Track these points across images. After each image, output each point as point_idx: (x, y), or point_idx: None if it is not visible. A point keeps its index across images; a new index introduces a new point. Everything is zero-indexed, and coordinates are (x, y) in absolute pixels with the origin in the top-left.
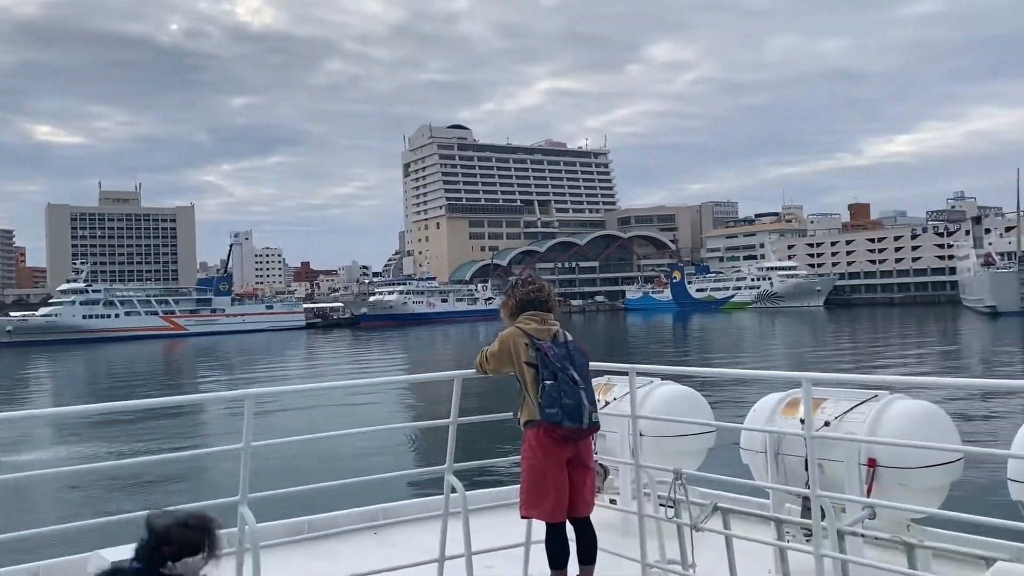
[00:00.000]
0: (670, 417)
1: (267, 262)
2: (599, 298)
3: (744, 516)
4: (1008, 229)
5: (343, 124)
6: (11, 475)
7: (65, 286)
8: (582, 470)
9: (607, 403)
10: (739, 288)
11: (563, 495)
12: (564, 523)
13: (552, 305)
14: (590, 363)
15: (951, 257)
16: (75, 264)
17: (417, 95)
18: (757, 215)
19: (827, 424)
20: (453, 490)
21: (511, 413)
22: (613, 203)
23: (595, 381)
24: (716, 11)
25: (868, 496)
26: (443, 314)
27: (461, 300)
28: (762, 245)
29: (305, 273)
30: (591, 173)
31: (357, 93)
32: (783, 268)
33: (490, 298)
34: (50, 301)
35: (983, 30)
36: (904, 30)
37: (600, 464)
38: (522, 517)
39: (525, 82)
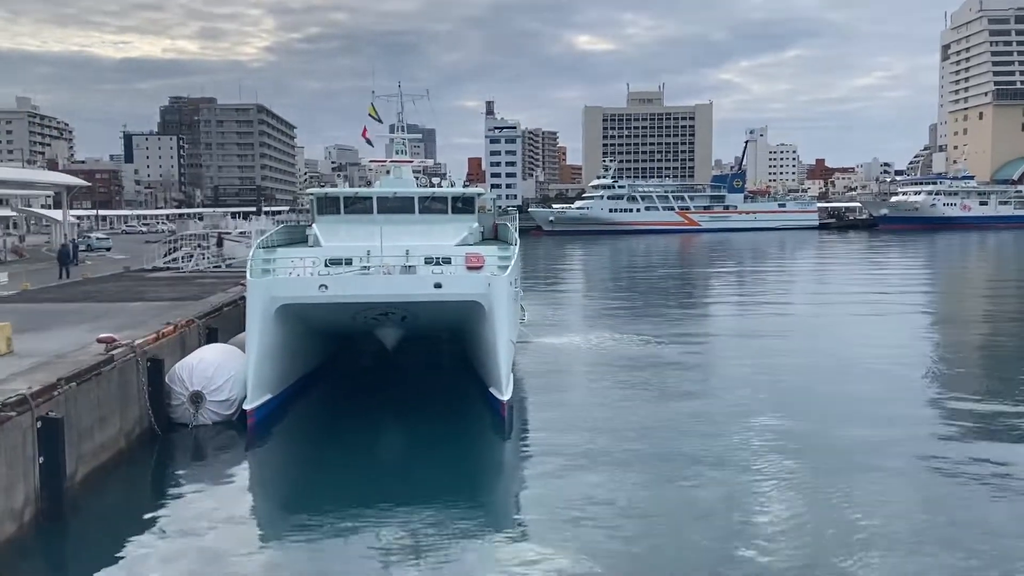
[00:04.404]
0: None
1: (781, 159)
2: None
3: None
4: None
5: (867, 8)
6: None
7: (595, 182)
8: None
9: None
10: None
11: None
12: None
13: None
14: None
15: None
16: (604, 161)
17: None
18: None
19: None
20: None
21: None
22: None
23: None
24: None
25: None
26: (982, 219)
27: (1006, 203)
28: None
29: (820, 171)
30: None
31: None
32: None
33: None
34: (583, 195)
35: None
36: None
37: None
38: None
39: None
